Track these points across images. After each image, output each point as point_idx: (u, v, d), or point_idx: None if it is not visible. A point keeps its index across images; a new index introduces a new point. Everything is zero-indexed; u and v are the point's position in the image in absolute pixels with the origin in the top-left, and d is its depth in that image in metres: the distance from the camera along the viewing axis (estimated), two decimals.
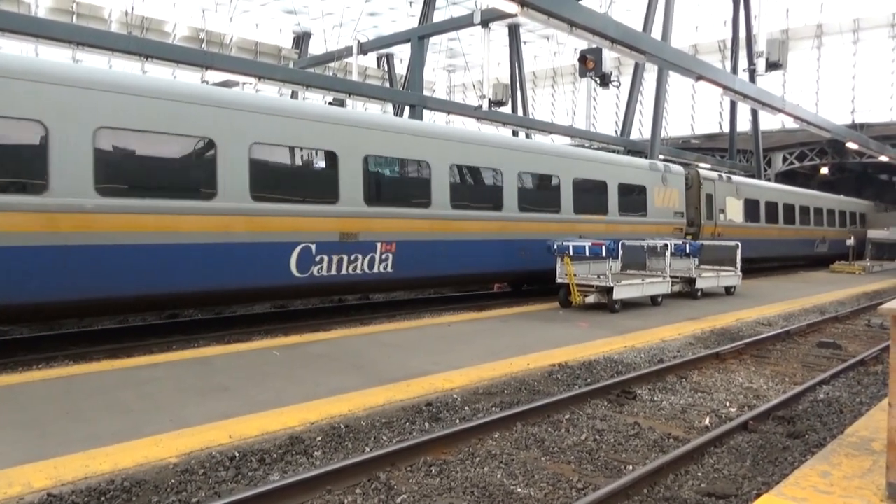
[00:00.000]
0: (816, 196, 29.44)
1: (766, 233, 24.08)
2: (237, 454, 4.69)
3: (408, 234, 11.99)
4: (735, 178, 23.16)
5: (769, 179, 31.80)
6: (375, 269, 11.45)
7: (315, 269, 10.59)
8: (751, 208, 23.26)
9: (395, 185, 12.31)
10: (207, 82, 18.35)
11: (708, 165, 28.91)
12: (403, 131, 12.26)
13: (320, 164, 11.13)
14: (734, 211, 22.00)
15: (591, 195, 16.49)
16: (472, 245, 13.22)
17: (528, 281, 16.46)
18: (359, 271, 11.23)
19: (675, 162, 23.57)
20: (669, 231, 18.63)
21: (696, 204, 20.41)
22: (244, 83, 19.60)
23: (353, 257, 11.10)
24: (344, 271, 11.01)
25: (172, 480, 4.29)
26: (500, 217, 13.94)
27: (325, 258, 10.71)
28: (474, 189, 13.76)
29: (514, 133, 27.99)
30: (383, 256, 11.55)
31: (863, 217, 35.12)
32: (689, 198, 20.24)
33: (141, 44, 16.39)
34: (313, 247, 10.52)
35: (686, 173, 20.35)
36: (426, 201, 12.49)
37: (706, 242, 16.88)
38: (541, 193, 15.25)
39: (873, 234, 30.97)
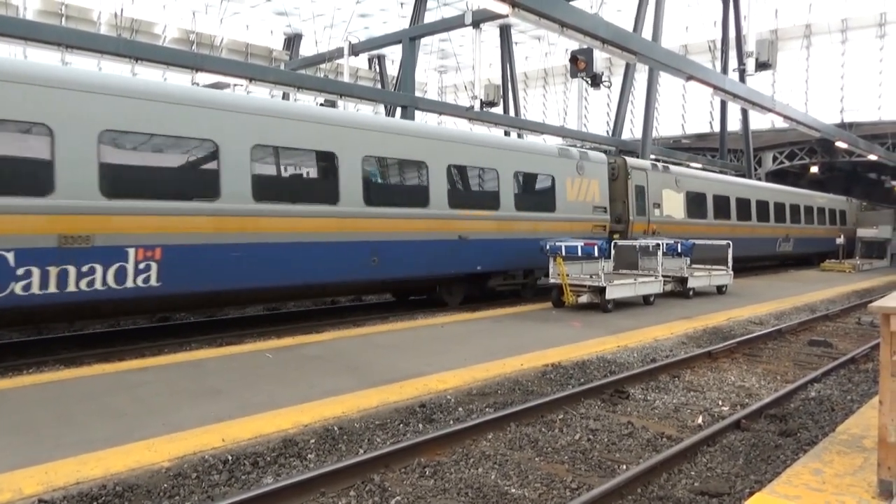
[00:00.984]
0: (779, 190, 27.01)
1: (715, 230, 21.05)
2: (230, 457, 4.67)
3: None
4: (675, 168, 20.72)
5: (759, 179, 31.94)
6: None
7: None
8: (695, 203, 20.70)
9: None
10: (198, 84, 18.29)
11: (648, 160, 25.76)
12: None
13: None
14: (673, 205, 19.46)
15: (475, 186, 13.67)
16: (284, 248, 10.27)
17: (398, 292, 14.94)
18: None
19: (668, 162, 23.57)
20: (588, 229, 15.91)
21: (624, 198, 17.73)
22: (235, 85, 19.53)
23: None
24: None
25: (165, 485, 4.27)
26: (339, 213, 11.04)
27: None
28: (305, 181, 11.18)
29: (506, 133, 28.01)
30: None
31: (843, 214, 33.14)
32: (615, 191, 17.53)
33: (131, 46, 16.29)
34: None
35: (611, 162, 17.81)
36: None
37: (650, 240, 15.46)
38: (401, 184, 12.38)
39: (863, 232, 31.16)
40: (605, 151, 24.48)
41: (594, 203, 16.45)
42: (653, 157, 24.74)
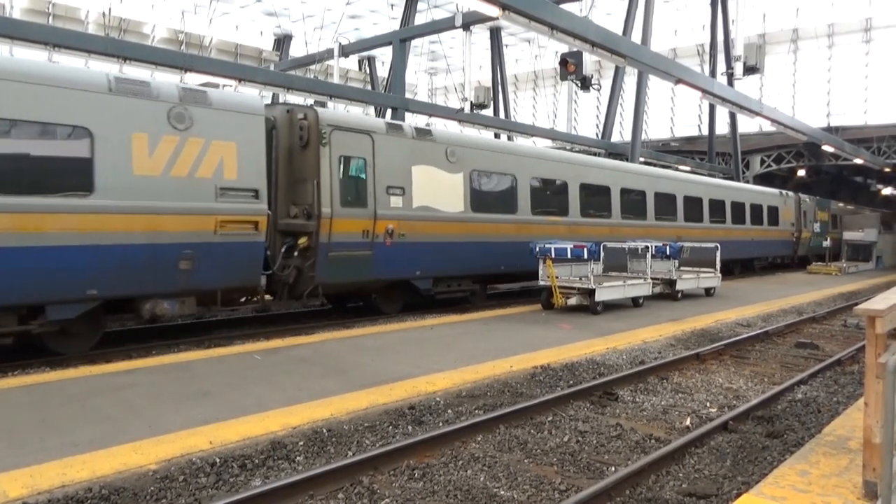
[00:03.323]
0: (644, 175, 19.18)
1: (526, 231, 14.51)
2: (218, 460, 4.64)
3: None
4: (448, 134, 13.83)
5: (747, 181, 32.13)
6: None
7: None
8: (491, 189, 14.13)
9: None
10: (186, 84, 18.16)
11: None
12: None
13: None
14: (439, 192, 12.83)
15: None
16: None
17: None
18: None
19: (657, 166, 23.58)
20: (210, 227, 9.20)
21: (315, 177, 10.77)
22: (224, 85, 19.44)
23: None
24: None
25: (152, 487, 4.24)
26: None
27: None
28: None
29: (496, 136, 28.02)
30: None
31: (773, 213, 26.73)
32: (299, 166, 11.03)
33: (119, 45, 16.18)
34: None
35: (285, 111, 11.27)
36: None
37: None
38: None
39: (849, 235, 31.44)
40: (598, 154, 24.32)
41: (220, 183, 9.42)
42: (642, 160, 24.82)
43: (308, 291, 10.94)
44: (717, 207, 22.52)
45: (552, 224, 15.36)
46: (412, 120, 25.41)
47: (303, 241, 10.82)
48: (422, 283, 12.84)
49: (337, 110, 14.03)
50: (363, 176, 11.70)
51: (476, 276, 14.18)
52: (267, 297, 10.83)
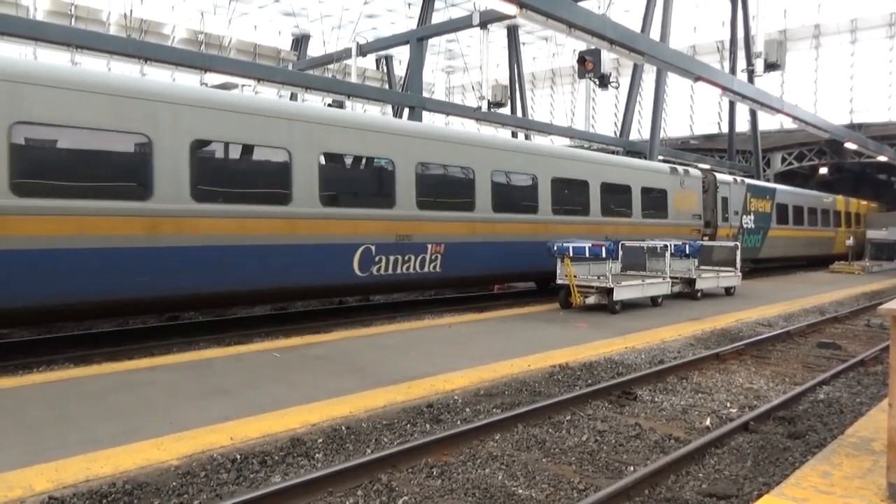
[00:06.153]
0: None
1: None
2: (238, 456, 4.68)
3: None
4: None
5: (768, 179, 31.76)
6: None
7: None
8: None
9: None
10: (206, 85, 18.36)
11: None
12: None
13: None
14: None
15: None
16: None
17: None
18: None
19: (674, 163, 23.31)
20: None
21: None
22: (242, 85, 19.60)
23: None
24: None
25: (174, 483, 4.29)
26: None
27: None
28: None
29: (514, 134, 27.97)
30: None
31: (660, 200, 18.76)
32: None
33: (140, 46, 16.40)
34: None
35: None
36: None
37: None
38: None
39: (873, 234, 30.96)
40: (614, 152, 24.23)
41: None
42: (660, 158, 24.64)
43: None
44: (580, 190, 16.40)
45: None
46: (429, 119, 25.44)
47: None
48: None
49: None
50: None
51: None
52: None
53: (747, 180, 23.60)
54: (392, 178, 11.87)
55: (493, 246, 13.79)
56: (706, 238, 19.79)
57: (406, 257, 12.04)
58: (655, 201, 18.58)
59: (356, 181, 11.78)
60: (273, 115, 10.19)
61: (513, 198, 14.51)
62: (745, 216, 22.59)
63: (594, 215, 16.50)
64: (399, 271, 11.95)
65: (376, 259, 11.49)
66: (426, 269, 12.48)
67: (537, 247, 13.81)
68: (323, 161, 10.80)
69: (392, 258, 11.79)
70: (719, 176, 21.67)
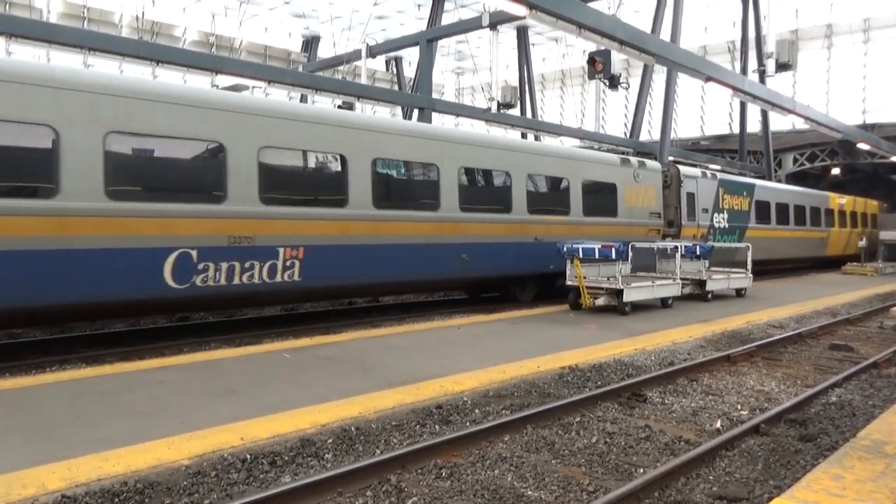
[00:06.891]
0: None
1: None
2: (249, 456, 4.71)
3: None
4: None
5: (780, 180, 31.53)
6: None
7: None
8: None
9: None
10: (217, 86, 18.46)
11: None
12: None
13: None
14: None
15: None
16: None
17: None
18: None
19: (682, 164, 23.16)
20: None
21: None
22: (253, 87, 19.70)
23: None
24: None
25: (185, 482, 4.32)
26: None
27: None
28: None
29: (523, 136, 27.94)
30: None
31: (608, 192, 16.59)
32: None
33: (151, 48, 16.51)
34: None
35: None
36: None
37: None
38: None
39: (885, 234, 30.66)
40: (625, 153, 24.02)
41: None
42: (671, 158, 24.54)
43: None
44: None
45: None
46: (438, 120, 25.47)
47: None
48: None
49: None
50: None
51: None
52: None
53: (719, 174, 21.63)
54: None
55: (371, 249, 11.33)
56: (668, 240, 17.40)
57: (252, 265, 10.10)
58: (602, 197, 16.31)
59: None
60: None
61: (408, 191, 12.23)
62: (716, 214, 20.30)
63: (518, 213, 14.04)
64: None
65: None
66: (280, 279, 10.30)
67: (444, 250, 12.29)
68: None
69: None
70: (683, 169, 19.41)
